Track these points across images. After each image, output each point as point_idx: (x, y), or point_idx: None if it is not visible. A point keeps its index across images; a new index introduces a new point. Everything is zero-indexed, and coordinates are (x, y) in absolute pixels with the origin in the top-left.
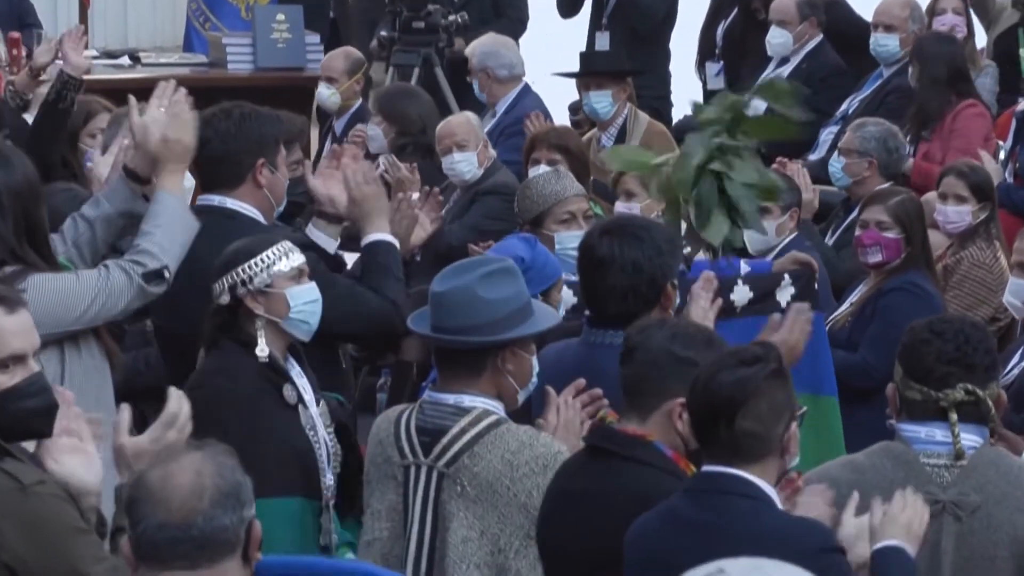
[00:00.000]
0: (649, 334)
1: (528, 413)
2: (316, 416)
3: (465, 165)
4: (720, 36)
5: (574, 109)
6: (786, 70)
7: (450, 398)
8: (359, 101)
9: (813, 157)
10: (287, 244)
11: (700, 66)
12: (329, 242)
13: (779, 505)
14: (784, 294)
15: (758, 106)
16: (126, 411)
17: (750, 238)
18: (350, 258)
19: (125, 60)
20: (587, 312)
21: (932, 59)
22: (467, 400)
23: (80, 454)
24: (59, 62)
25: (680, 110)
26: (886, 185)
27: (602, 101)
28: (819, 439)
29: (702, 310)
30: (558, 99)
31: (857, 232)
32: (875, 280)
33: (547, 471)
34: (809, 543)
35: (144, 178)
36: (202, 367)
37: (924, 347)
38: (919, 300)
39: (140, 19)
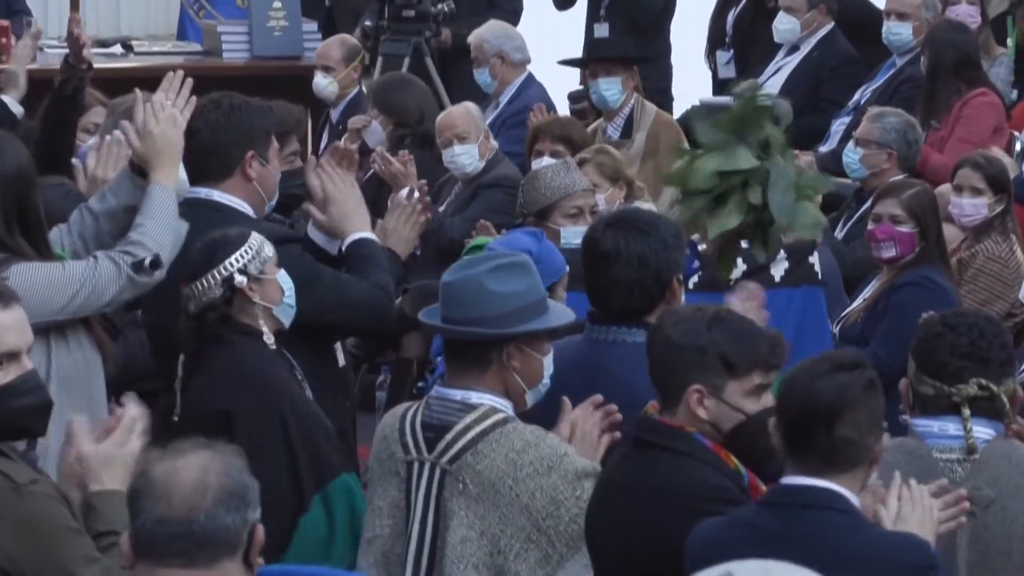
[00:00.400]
0: (658, 325)
1: (532, 418)
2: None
3: (466, 157)
4: (730, 24)
5: (574, 98)
6: (796, 58)
7: (457, 394)
8: (356, 89)
9: (824, 148)
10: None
11: (710, 55)
12: (330, 243)
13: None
14: (778, 268)
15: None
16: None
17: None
18: None
19: (117, 49)
20: (590, 308)
21: (940, 46)
22: (474, 396)
23: None
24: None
25: (681, 103)
26: (899, 177)
27: (611, 88)
28: None
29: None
30: (555, 90)
31: (870, 226)
32: (888, 275)
33: (551, 472)
34: (903, 560)
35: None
36: (221, 365)
37: (937, 341)
38: (933, 295)
39: (133, 7)
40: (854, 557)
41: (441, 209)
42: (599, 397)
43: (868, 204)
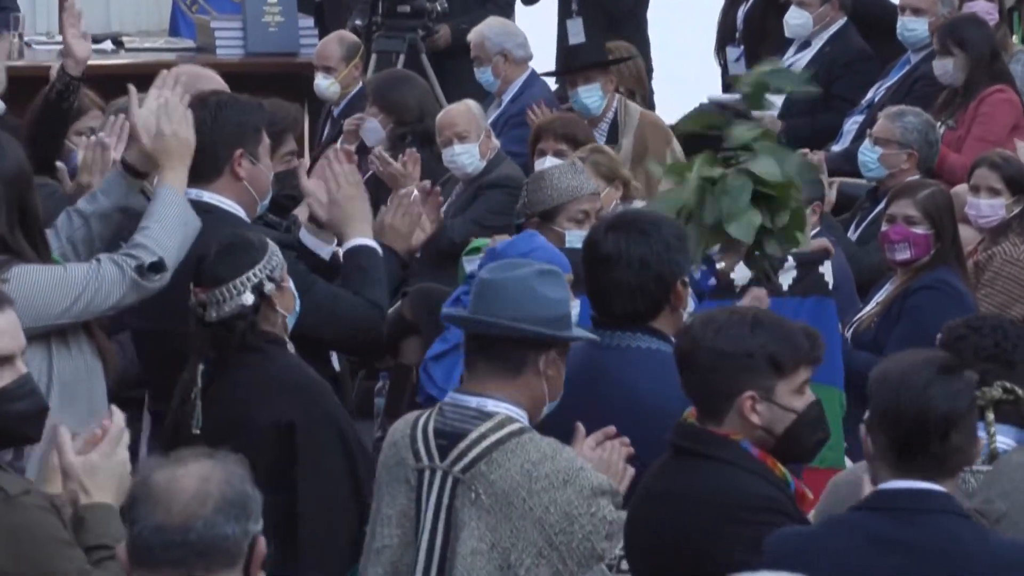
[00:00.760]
0: (694, 337)
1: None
2: None
3: (466, 157)
4: (740, 20)
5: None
6: (808, 54)
7: (472, 400)
8: (359, 86)
9: (836, 148)
10: None
11: (720, 51)
12: (322, 247)
13: None
14: (787, 277)
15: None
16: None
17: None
18: None
19: (108, 45)
20: (592, 313)
21: (975, 42)
22: (491, 404)
23: None
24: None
25: (661, 98)
26: (914, 177)
27: (592, 95)
28: None
29: None
30: None
31: (884, 227)
32: (902, 278)
33: (567, 486)
34: None
35: (142, 172)
36: (258, 374)
37: (960, 343)
38: (948, 299)
39: (123, 1)
40: (983, 562)
41: (441, 211)
42: (612, 429)
43: (883, 205)
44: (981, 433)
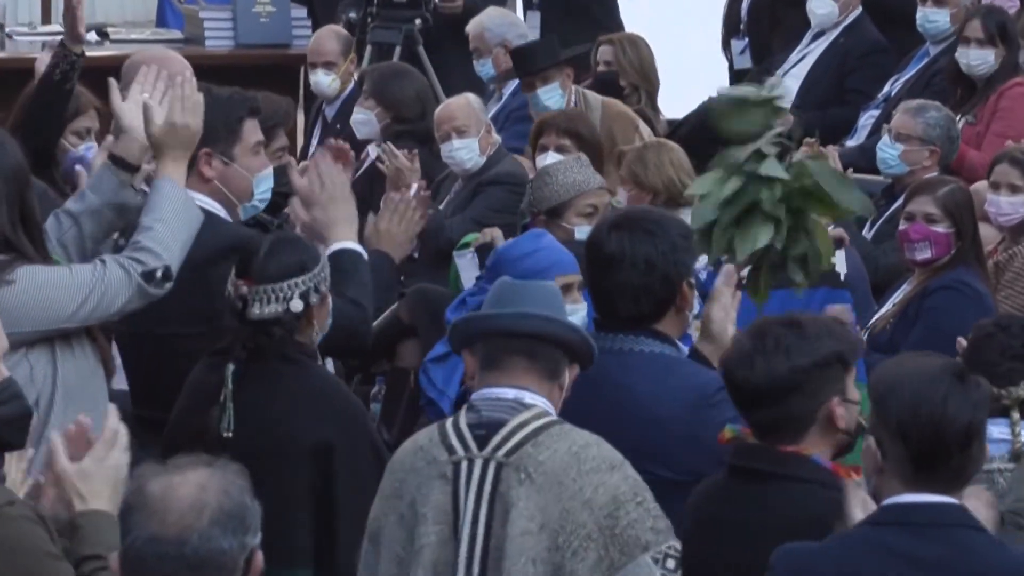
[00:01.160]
0: (763, 366)
1: None
2: None
3: (465, 152)
4: (744, 11)
5: None
6: (821, 45)
7: (509, 392)
8: (352, 84)
9: (851, 143)
10: None
11: (725, 45)
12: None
13: None
14: None
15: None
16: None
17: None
18: None
19: (93, 36)
20: (594, 315)
21: (1015, 36)
22: (528, 397)
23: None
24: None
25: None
26: (933, 174)
27: (552, 95)
28: None
29: (723, 308)
30: None
31: (902, 226)
32: (920, 278)
33: (614, 471)
34: None
35: (133, 165)
36: (298, 387)
37: (988, 341)
38: (968, 300)
39: None
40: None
41: (440, 208)
42: None
43: (899, 202)
44: (1006, 431)
